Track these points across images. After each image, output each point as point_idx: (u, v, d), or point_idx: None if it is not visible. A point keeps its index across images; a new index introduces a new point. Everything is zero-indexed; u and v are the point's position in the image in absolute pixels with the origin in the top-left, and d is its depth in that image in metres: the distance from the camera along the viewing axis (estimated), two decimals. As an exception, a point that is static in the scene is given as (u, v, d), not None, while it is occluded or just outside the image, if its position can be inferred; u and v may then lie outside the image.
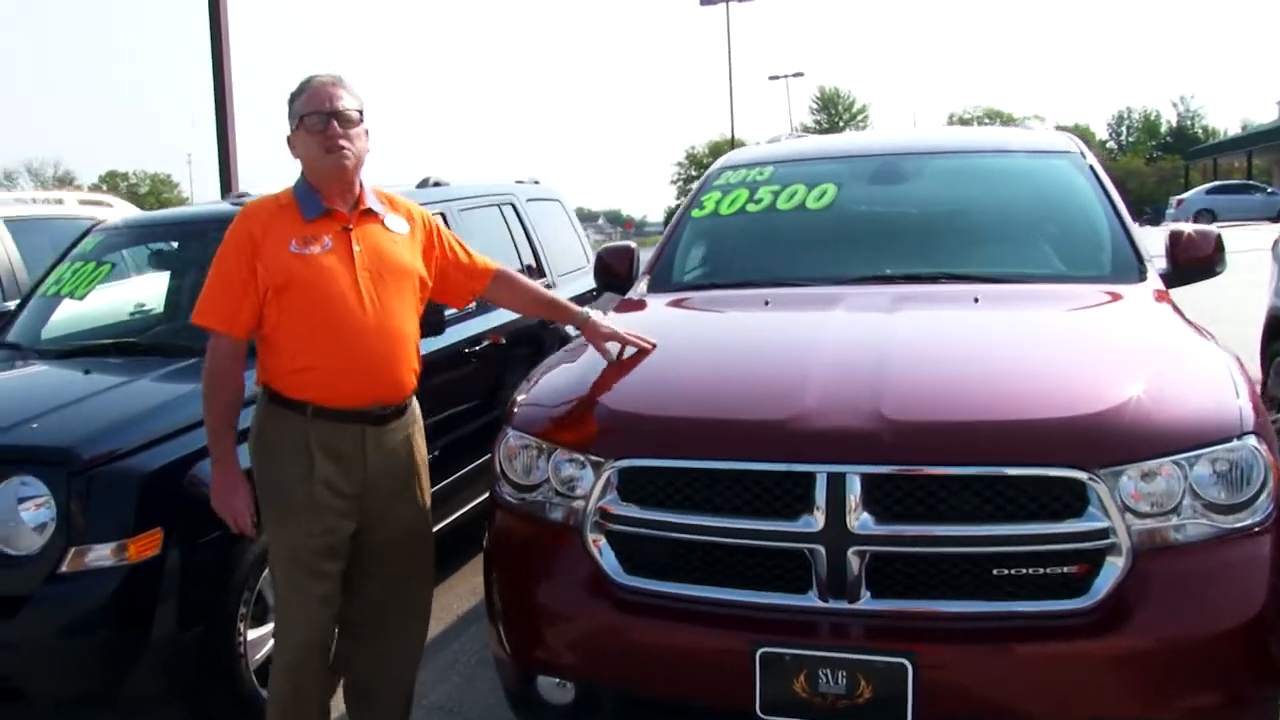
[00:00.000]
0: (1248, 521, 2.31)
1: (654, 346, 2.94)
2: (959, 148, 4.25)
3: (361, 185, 2.80)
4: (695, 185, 4.37)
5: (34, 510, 2.79)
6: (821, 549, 2.32)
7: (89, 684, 2.87)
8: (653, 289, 3.79)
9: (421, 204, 4.66)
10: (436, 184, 5.09)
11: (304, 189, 2.76)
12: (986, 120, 64.13)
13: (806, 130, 67.69)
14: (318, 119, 2.69)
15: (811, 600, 2.34)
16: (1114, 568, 2.25)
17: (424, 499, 2.91)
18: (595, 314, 3.13)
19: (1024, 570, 2.28)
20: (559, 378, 2.96)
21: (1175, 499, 2.29)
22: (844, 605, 2.32)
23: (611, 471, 2.53)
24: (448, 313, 4.44)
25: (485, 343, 4.73)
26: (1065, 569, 2.28)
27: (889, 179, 4.00)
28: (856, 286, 3.35)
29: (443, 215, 4.82)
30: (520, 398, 2.95)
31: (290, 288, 2.64)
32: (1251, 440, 2.33)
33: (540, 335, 5.14)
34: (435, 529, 3.97)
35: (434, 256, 2.94)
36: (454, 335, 4.48)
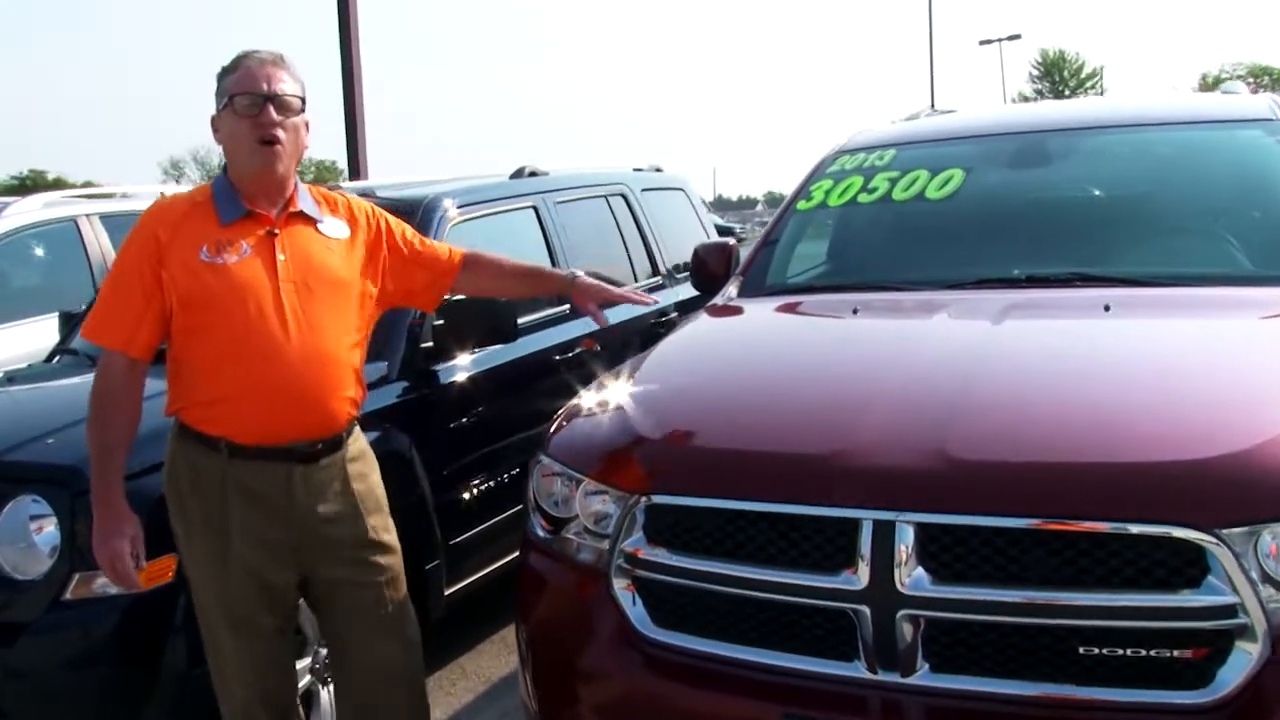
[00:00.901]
0: None
1: (654, 302, 2.78)
2: (1122, 121, 3.86)
3: (296, 185, 2.61)
4: (808, 172, 4.17)
5: (41, 532, 2.86)
6: (867, 610, 2.11)
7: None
8: (743, 293, 3.63)
9: (514, 196, 4.77)
10: (533, 174, 5.06)
11: (224, 186, 2.56)
12: (1250, 81, 59.53)
13: (1027, 99, 64.67)
14: (249, 101, 2.47)
15: (858, 670, 2.13)
16: (1245, 656, 1.94)
17: (382, 543, 2.68)
18: (582, 273, 2.99)
19: (1120, 651, 1.99)
20: (602, 396, 2.84)
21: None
22: (895, 679, 2.10)
23: (638, 509, 2.41)
24: (531, 316, 4.43)
25: (577, 350, 4.67)
26: (1176, 653, 1.98)
27: (1030, 161, 3.68)
28: (970, 292, 3.09)
29: (534, 209, 4.80)
30: (558, 418, 2.86)
31: (198, 303, 2.44)
32: None
33: (652, 336, 5.05)
34: (496, 566, 3.95)
35: (381, 259, 2.75)
36: (535, 342, 4.44)
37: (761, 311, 3.35)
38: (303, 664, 3.29)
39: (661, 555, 2.37)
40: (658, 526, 2.39)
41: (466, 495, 4.02)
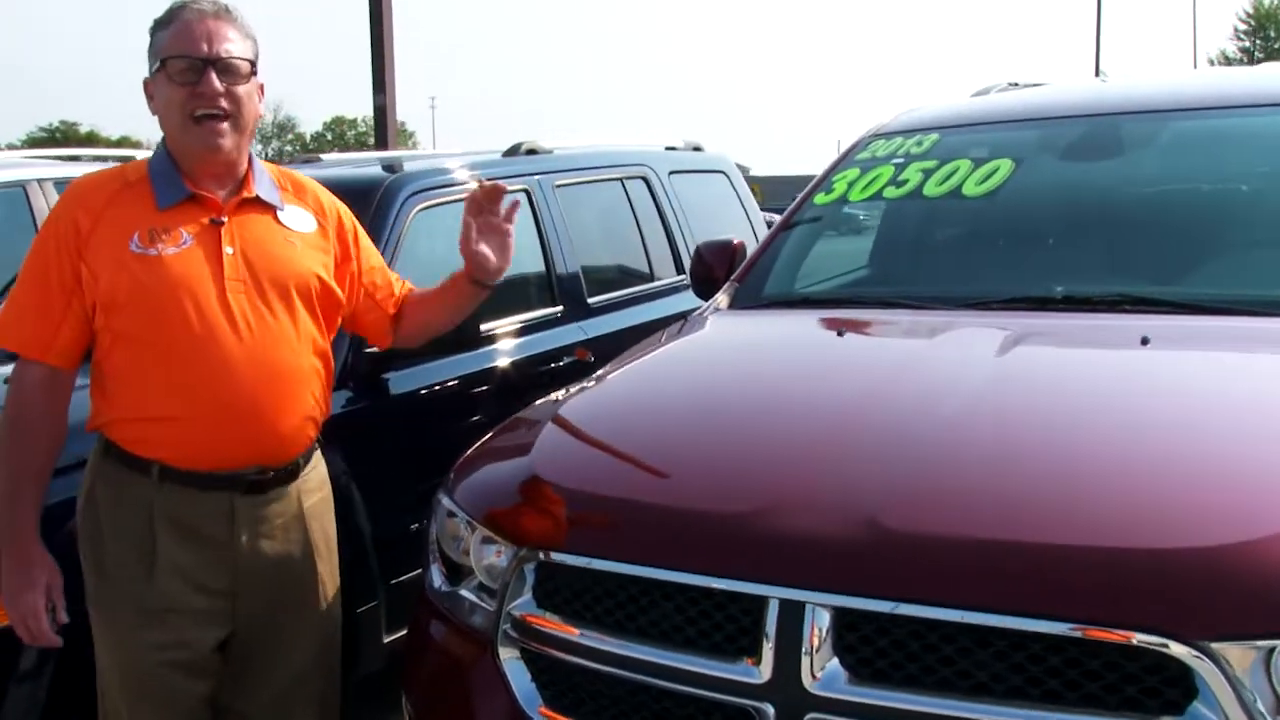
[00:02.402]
0: None
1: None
2: (1222, 101, 3.60)
3: (251, 162, 2.50)
4: (833, 160, 4.01)
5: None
6: (770, 710, 1.97)
7: None
8: (735, 304, 3.48)
9: (502, 178, 4.67)
10: (531, 152, 4.96)
11: (163, 163, 2.43)
12: None
13: (1229, 62, 61.05)
14: (186, 65, 2.34)
15: (762, 787, 2.00)
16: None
17: (326, 601, 2.60)
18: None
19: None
20: (519, 426, 2.74)
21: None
22: (810, 804, 1.96)
23: (528, 566, 2.30)
24: (510, 319, 4.34)
25: (566, 360, 4.56)
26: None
27: (1093, 151, 3.46)
28: (988, 314, 2.91)
29: (527, 194, 4.70)
30: (472, 450, 2.77)
31: (125, 302, 2.32)
32: None
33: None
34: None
35: (348, 271, 2.65)
36: (513, 350, 4.35)
37: (736, 330, 3.23)
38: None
39: (552, 621, 2.26)
40: (548, 589, 2.27)
41: (415, 526, 3.95)
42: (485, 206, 2.72)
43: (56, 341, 2.36)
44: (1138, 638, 1.76)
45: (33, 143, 61.07)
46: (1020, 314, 2.89)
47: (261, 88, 2.51)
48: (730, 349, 3.11)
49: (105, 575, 2.42)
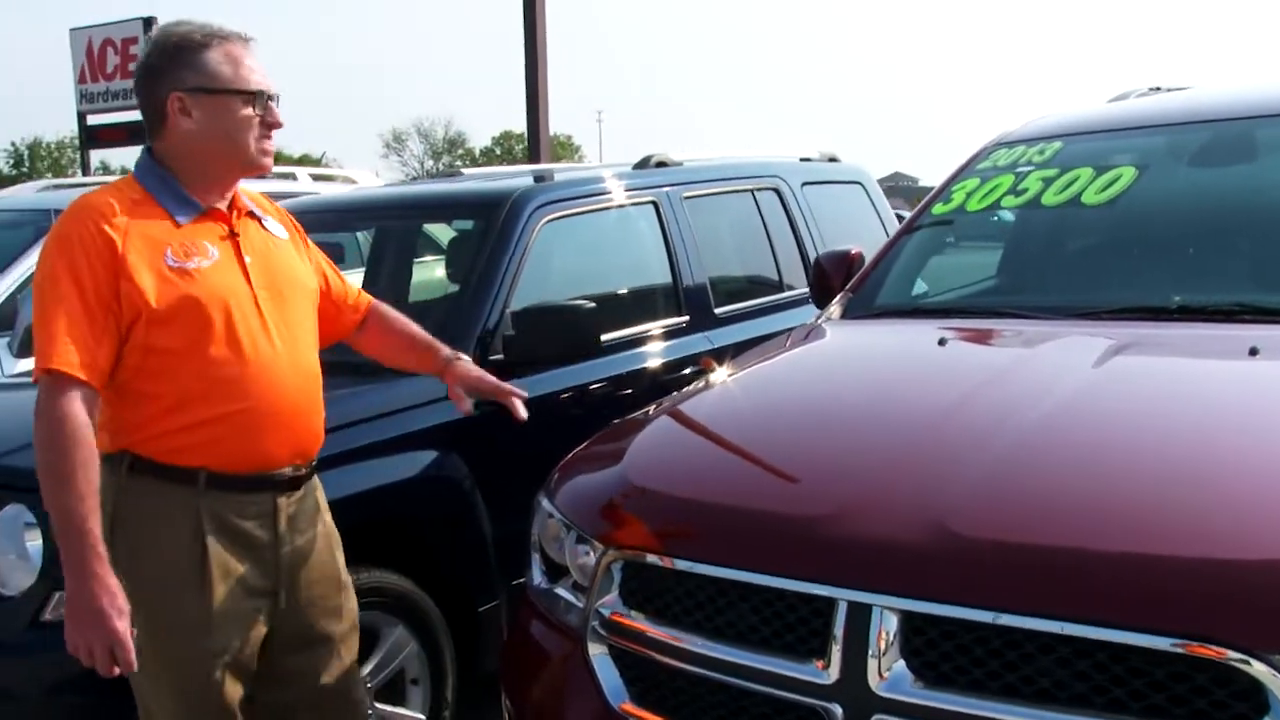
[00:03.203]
0: None
1: (519, 419, 2.81)
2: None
3: None
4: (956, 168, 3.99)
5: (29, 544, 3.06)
6: (838, 710, 2.00)
7: None
8: (847, 313, 3.50)
9: (630, 189, 4.78)
10: (661, 164, 5.05)
11: (163, 181, 2.48)
12: None
13: None
14: (259, 100, 2.49)
15: (833, 784, 2.03)
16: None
17: (344, 591, 2.72)
18: (464, 359, 2.90)
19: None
20: (617, 433, 2.82)
21: None
22: (877, 802, 1.99)
23: (615, 566, 2.38)
24: (635, 329, 4.43)
25: (691, 369, 4.63)
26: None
27: (1220, 158, 3.38)
28: (1099, 324, 2.87)
29: (654, 205, 4.78)
30: (573, 454, 2.86)
31: (171, 317, 2.37)
32: None
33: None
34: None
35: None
36: (636, 359, 4.44)
37: (840, 340, 3.24)
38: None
39: (639, 620, 2.33)
40: (634, 588, 2.35)
41: (538, 529, 4.07)
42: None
43: (99, 361, 2.33)
44: (1213, 651, 1.74)
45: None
46: (1128, 323, 2.85)
47: None
48: (828, 358, 3.14)
49: (154, 592, 2.42)
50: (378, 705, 3.59)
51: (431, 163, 79.88)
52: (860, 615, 1.98)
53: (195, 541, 2.43)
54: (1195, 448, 2.15)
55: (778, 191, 5.47)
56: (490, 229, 4.20)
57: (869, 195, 6.13)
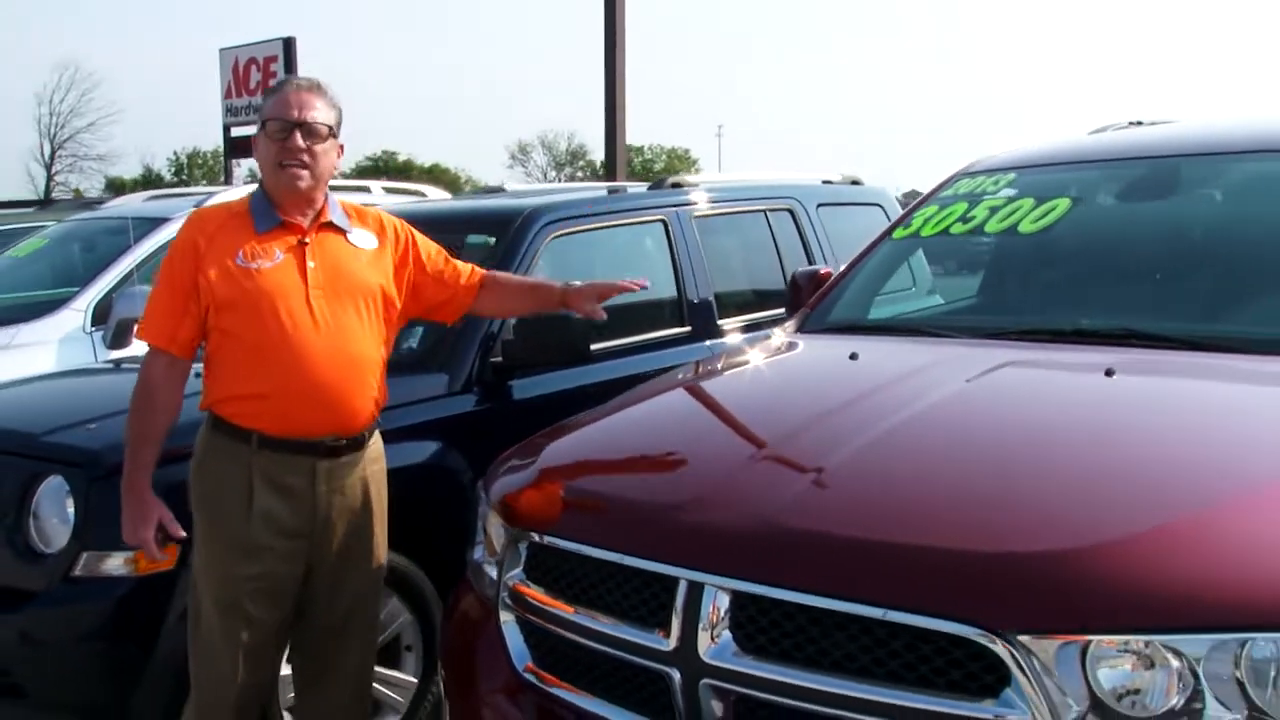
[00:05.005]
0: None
1: (641, 286, 3.29)
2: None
3: (326, 198, 3.06)
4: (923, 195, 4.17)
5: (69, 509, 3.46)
6: (676, 675, 2.25)
7: (88, 693, 3.47)
8: (802, 328, 3.72)
9: (638, 209, 5.04)
10: (676, 185, 5.31)
11: (260, 198, 3.02)
12: None
13: None
14: (279, 126, 2.93)
15: (675, 740, 2.28)
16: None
17: (377, 549, 3.15)
18: (574, 284, 3.32)
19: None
20: (549, 434, 3.06)
21: (1162, 703, 1.89)
22: (707, 755, 2.23)
23: (521, 544, 2.65)
24: (641, 336, 4.68)
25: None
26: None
27: (1146, 192, 3.52)
28: (997, 344, 3.05)
29: (663, 224, 5.04)
30: (506, 451, 3.12)
31: (233, 305, 2.89)
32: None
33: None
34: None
35: (407, 273, 3.18)
36: (639, 364, 4.67)
37: (774, 352, 3.44)
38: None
39: (539, 592, 2.59)
40: (535, 564, 2.62)
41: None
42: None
43: (179, 335, 2.95)
44: (956, 628, 1.95)
45: (360, 171, 65.94)
46: (1024, 345, 3.02)
47: (341, 147, 3.12)
48: (749, 368, 3.35)
49: (213, 521, 2.99)
50: (376, 669, 3.92)
51: (554, 173, 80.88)
52: (696, 592, 2.22)
53: (246, 487, 2.94)
54: (1001, 455, 2.35)
55: (792, 212, 5.68)
56: (501, 242, 4.51)
57: (888, 216, 6.28)
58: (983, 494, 2.20)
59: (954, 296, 4.16)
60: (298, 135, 2.94)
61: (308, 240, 3.01)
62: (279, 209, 3.01)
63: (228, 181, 21.47)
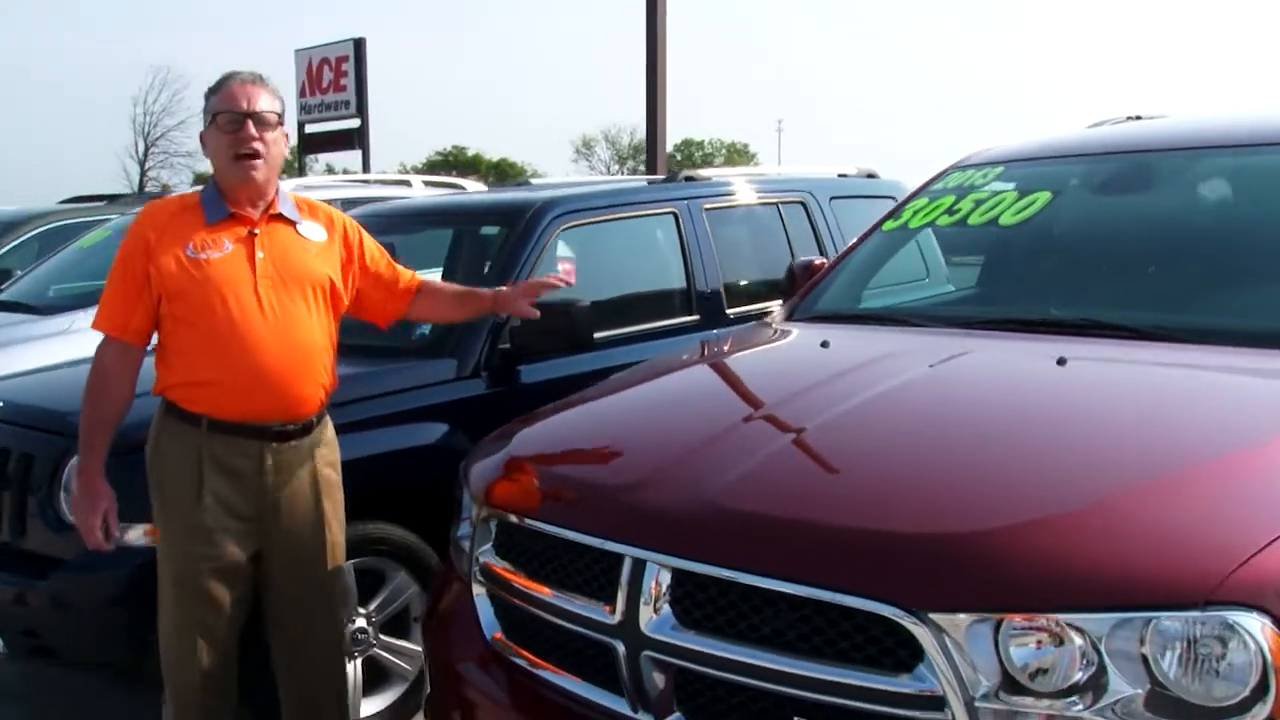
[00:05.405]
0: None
1: (570, 282, 3.34)
2: (1262, 139, 3.48)
3: (278, 190, 3.06)
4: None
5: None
6: (621, 647, 2.27)
7: (110, 652, 3.58)
8: (790, 316, 3.71)
9: (650, 201, 5.05)
10: (689, 179, 5.32)
11: (212, 191, 3.02)
12: None
13: None
14: (230, 118, 2.93)
15: (623, 707, 2.30)
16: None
17: (332, 528, 3.13)
18: (502, 289, 3.35)
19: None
20: (526, 419, 3.07)
21: (1066, 678, 1.88)
22: (649, 721, 2.25)
23: (491, 522, 2.68)
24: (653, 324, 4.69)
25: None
26: (886, 740, 1.99)
27: (1124, 187, 3.47)
28: (964, 333, 3.03)
29: (674, 216, 5.05)
30: (487, 437, 3.14)
31: (183, 294, 2.89)
32: (1236, 615, 1.81)
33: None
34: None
35: (352, 270, 3.19)
36: (649, 351, 4.68)
37: (756, 340, 3.45)
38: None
39: (505, 568, 2.63)
40: (502, 541, 2.65)
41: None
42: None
43: (131, 324, 2.97)
44: (875, 606, 1.95)
45: (430, 166, 66.47)
46: (991, 335, 2.99)
47: (287, 135, 3.12)
48: (725, 354, 3.36)
49: (165, 503, 3.02)
50: (383, 637, 3.99)
51: (616, 166, 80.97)
52: (639, 569, 2.24)
53: (196, 470, 2.96)
54: (935, 440, 2.35)
55: (804, 205, 5.66)
56: (513, 233, 4.55)
57: (902, 209, 6.24)
58: (910, 478, 2.20)
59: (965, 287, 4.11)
60: (250, 125, 2.95)
61: (257, 231, 3.01)
62: (230, 201, 3.01)
63: (302, 174, 21.91)
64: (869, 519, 2.06)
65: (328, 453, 3.17)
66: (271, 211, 3.06)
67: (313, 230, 3.13)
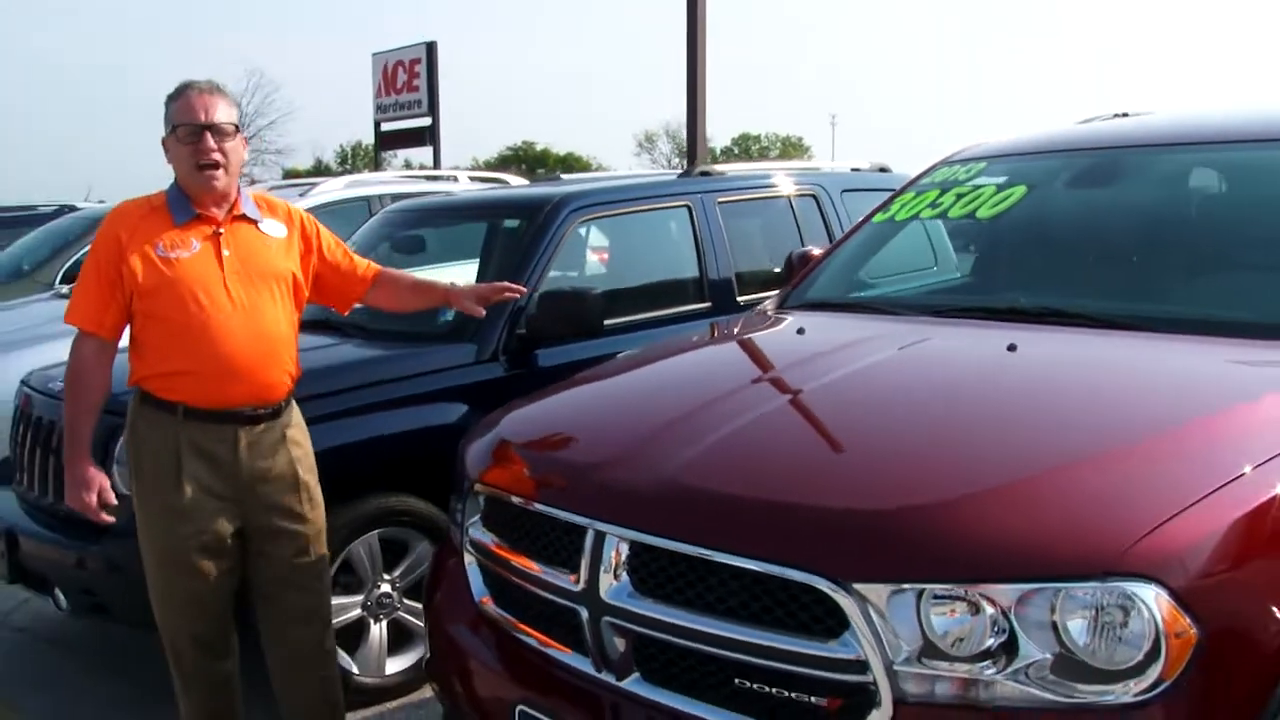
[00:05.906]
0: (1117, 699, 1.87)
1: (522, 293, 3.41)
2: (1222, 136, 3.47)
3: (239, 191, 3.11)
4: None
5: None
6: (584, 612, 2.35)
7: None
8: (783, 304, 3.76)
9: (665, 195, 5.11)
10: (705, 174, 5.36)
11: (176, 193, 3.05)
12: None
13: None
14: (189, 130, 2.96)
15: (587, 666, 2.39)
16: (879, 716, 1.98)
17: (308, 502, 3.18)
18: (458, 285, 3.35)
19: (769, 689, 2.10)
20: (521, 401, 3.16)
21: (980, 644, 1.93)
22: (613, 680, 2.33)
23: (480, 496, 2.78)
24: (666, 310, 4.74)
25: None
26: (814, 699, 2.05)
27: (1095, 180, 3.47)
28: (932, 321, 3.07)
29: (688, 209, 5.10)
30: (485, 417, 3.22)
31: (155, 291, 2.93)
32: (1133, 586, 1.86)
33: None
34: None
35: (311, 262, 3.26)
36: (662, 335, 4.75)
37: (740, 327, 3.50)
38: (355, 599, 3.97)
39: (490, 539, 2.72)
40: (489, 513, 2.74)
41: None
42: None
43: (105, 320, 3.01)
44: (805, 576, 2.01)
45: (502, 160, 66.89)
46: (957, 323, 3.03)
47: (245, 141, 3.16)
48: (708, 340, 3.43)
49: (145, 485, 3.09)
50: (406, 601, 4.11)
51: (676, 160, 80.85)
52: (600, 541, 2.32)
53: (174, 455, 3.03)
54: (876, 422, 2.41)
55: (816, 198, 5.67)
56: (531, 226, 4.63)
57: (915, 200, 6.22)
58: (844, 457, 2.27)
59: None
60: (208, 137, 2.99)
61: (222, 231, 3.06)
62: (195, 203, 3.05)
63: (378, 169, 22.26)
64: (800, 495, 2.13)
65: (298, 433, 3.22)
66: (235, 212, 3.11)
67: (273, 227, 3.19)
